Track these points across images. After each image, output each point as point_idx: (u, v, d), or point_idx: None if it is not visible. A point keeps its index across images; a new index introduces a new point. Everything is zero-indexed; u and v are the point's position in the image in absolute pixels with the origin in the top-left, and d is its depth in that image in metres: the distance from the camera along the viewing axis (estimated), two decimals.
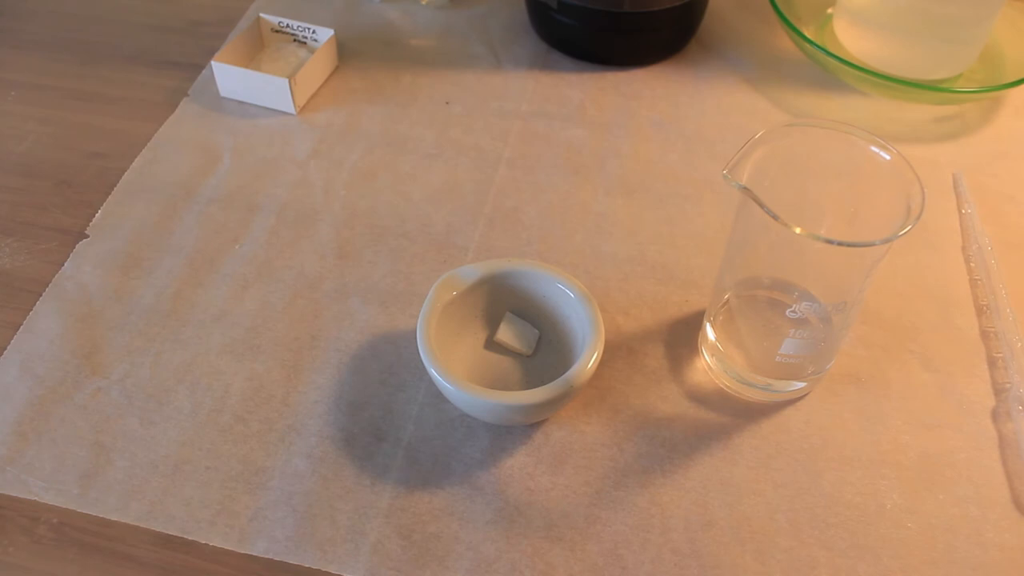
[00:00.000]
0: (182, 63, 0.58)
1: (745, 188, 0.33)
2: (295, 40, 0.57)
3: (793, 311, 0.36)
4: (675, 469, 0.37)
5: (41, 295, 0.44)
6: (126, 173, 0.50)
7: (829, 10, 0.61)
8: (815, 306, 0.37)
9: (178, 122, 0.53)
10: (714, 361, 0.40)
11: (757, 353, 0.39)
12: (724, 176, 0.33)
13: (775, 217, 0.32)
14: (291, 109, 0.53)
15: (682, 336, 0.42)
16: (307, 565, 0.34)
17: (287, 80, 0.52)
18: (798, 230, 0.32)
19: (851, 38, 0.57)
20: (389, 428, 0.38)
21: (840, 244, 0.32)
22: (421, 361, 0.36)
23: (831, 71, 0.56)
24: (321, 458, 0.37)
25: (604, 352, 0.37)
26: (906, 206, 0.33)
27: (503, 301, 0.41)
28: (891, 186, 0.34)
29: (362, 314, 0.43)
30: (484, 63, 0.58)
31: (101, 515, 0.36)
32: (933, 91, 0.53)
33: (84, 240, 0.46)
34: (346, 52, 0.58)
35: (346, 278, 0.44)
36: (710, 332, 0.40)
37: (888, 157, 0.34)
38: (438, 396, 0.39)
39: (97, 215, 0.48)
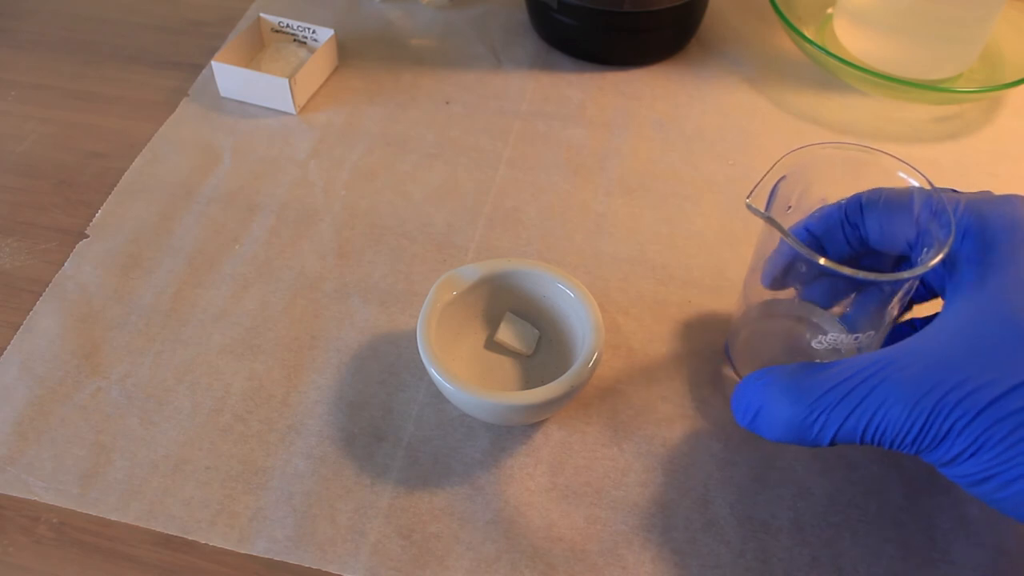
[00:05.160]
0: (182, 63, 0.58)
1: (769, 218, 0.32)
2: (295, 40, 0.57)
3: (820, 342, 0.36)
4: (675, 469, 0.37)
5: (41, 295, 0.44)
6: (126, 173, 0.50)
7: (829, 10, 0.61)
8: (842, 338, 0.36)
9: (178, 122, 0.53)
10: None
11: None
12: (747, 205, 0.32)
13: (799, 247, 0.31)
14: (291, 109, 0.53)
15: (682, 336, 0.42)
16: (307, 565, 0.34)
17: (287, 80, 0.52)
18: (822, 261, 0.30)
19: (851, 38, 0.57)
20: (389, 428, 0.38)
21: (865, 278, 0.30)
22: (421, 361, 0.36)
23: (831, 71, 0.56)
24: (321, 458, 0.37)
25: (604, 352, 0.37)
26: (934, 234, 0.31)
27: (503, 301, 0.41)
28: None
29: (362, 314, 0.43)
30: (484, 63, 0.58)
31: (101, 515, 0.36)
32: (933, 91, 0.53)
33: (84, 240, 0.46)
34: (346, 52, 0.58)
35: (346, 278, 0.44)
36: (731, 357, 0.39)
37: (915, 184, 0.34)
38: (438, 396, 0.39)
39: (97, 215, 0.48)
